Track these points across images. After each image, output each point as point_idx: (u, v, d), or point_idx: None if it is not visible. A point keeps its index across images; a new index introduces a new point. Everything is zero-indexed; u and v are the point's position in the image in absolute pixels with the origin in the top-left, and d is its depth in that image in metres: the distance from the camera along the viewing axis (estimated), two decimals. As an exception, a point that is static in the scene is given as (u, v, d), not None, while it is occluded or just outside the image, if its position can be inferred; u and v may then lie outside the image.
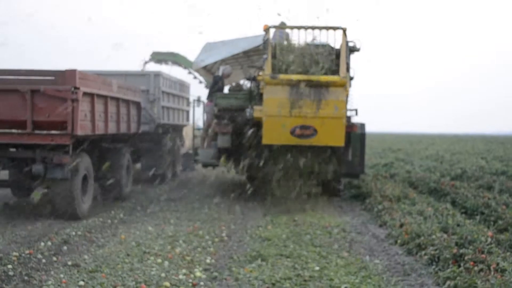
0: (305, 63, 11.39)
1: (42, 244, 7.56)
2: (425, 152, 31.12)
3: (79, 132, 9.25)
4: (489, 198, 11.13)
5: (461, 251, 6.71)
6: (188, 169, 19.12)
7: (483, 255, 6.50)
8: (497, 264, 6.15)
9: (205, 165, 13.87)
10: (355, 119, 12.69)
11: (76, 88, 9.04)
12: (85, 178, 10.04)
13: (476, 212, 10.09)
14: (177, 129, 17.01)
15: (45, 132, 9.18)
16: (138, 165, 15.52)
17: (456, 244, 7.16)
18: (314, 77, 11.00)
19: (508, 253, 6.89)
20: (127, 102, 11.75)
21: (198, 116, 33.46)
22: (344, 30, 11.52)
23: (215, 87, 13.40)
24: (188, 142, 18.45)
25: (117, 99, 11.09)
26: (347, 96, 11.49)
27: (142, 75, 14.64)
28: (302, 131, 11.04)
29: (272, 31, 11.86)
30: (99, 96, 10.07)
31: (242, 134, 11.91)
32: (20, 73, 9.48)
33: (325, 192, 12.58)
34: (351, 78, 12.12)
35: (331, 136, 11.09)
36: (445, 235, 7.71)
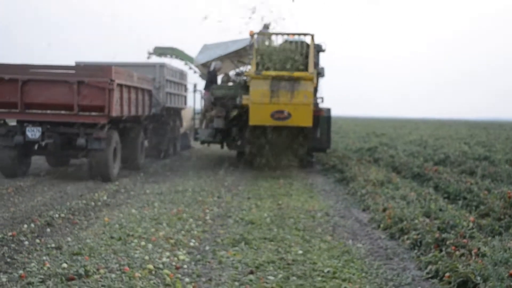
0: (282, 60, 14.22)
1: (25, 226, 7.50)
2: (408, 137, 31.26)
3: (114, 113, 11.95)
4: (471, 183, 11.22)
5: (443, 235, 6.76)
6: (185, 147, 21.79)
7: (465, 240, 6.56)
8: (478, 249, 6.20)
9: (203, 142, 16.52)
10: (322, 105, 15.62)
11: (112, 80, 11.70)
12: (115, 149, 12.67)
13: (458, 197, 10.19)
14: (177, 112, 19.53)
15: (87, 113, 11.95)
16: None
17: (438, 228, 7.22)
18: (288, 73, 13.85)
19: (489, 238, 6.98)
20: (142, 89, 14.27)
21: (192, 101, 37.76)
22: (312, 36, 14.44)
23: (211, 80, 16.24)
24: (185, 123, 20.91)
25: (136, 88, 13.63)
26: (314, 87, 14.60)
27: (150, 66, 16.97)
28: (279, 114, 13.89)
29: (256, 36, 14.76)
30: (125, 85, 12.66)
31: (233, 117, 15.11)
32: (69, 68, 12.46)
33: (300, 164, 15.83)
34: (319, 73, 15.21)
35: (302, 119, 13.96)
36: (427, 220, 7.78)
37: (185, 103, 20.28)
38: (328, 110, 15.94)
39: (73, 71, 12.10)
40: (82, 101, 11.78)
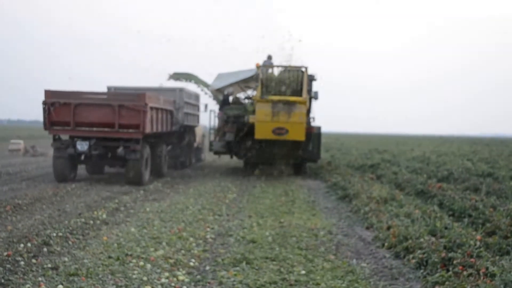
0: (282, 87, 17.48)
1: (22, 245, 7.34)
2: (411, 154, 31.09)
3: (147, 130, 14.87)
4: (476, 200, 11.04)
5: (450, 255, 6.59)
6: (199, 160, 25.06)
7: (472, 259, 6.39)
8: (487, 268, 6.03)
9: (216, 153, 20.03)
10: (314, 124, 19.26)
11: (146, 104, 14.66)
12: (146, 160, 15.63)
13: (463, 215, 9.98)
14: (192, 129, 22.46)
15: (125, 130, 14.87)
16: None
17: (445, 247, 7.05)
18: (286, 98, 17.14)
19: (497, 257, 6.77)
20: (166, 110, 17.21)
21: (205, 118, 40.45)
22: (306, 68, 17.66)
23: (224, 102, 19.92)
24: (197, 139, 23.82)
25: (162, 109, 16.54)
26: (307, 109, 18.28)
27: (171, 90, 19.53)
28: (279, 130, 17.17)
29: (261, 67, 17.95)
30: (155, 108, 15.59)
31: (242, 132, 18.46)
32: (111, 94, 16.49)
33: (295, 171, 19.47)
34: (312, 97, 18.78)
35: (297, 134, 17.30)
36: (433, 238, 7.61)
37: (198, 122, 23.18)
38: (319, 127, 19.25)
39: (114, 96, 15.22)
40: (121, 121, 14.71)
